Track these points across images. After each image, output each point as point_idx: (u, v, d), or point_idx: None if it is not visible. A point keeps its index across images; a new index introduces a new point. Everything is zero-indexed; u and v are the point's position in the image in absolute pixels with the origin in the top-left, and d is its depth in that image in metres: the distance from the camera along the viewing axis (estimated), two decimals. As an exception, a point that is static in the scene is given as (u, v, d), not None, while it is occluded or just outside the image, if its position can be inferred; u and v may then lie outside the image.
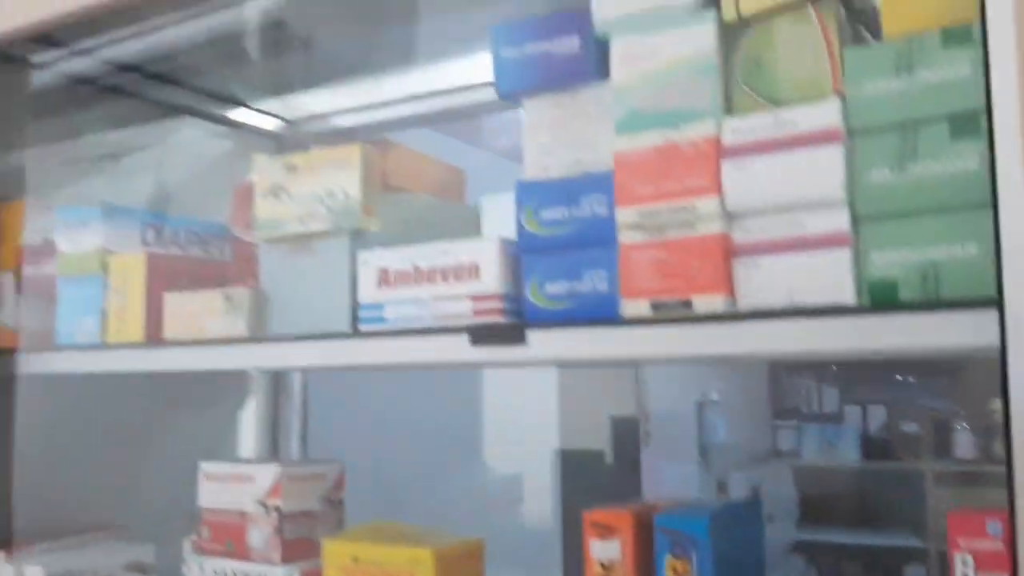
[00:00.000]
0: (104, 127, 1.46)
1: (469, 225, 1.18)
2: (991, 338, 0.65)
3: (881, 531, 3.48)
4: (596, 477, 2.00)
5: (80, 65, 1.35)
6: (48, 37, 1.22)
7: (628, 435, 2.06)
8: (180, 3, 1.17)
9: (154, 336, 1.10)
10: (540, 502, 2.08)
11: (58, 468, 1.33)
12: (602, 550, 0.84)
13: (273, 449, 1.59)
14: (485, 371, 2.24)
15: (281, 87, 1.61)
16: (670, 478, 2.72)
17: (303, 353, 1.01)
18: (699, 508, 0.85)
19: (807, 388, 3.87)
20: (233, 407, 1.61)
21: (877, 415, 3.74)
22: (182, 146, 1.58)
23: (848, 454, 3.71)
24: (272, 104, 1.65)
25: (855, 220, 0.75)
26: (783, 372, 3.87)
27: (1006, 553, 0.70)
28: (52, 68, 1.32)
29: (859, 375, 3.81)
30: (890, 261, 0.74)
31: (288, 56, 1.49)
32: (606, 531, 0.84)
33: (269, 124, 1.68)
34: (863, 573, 3.50)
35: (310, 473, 1.04)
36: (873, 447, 3.71)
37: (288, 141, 1.71)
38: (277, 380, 1.64)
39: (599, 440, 2.02)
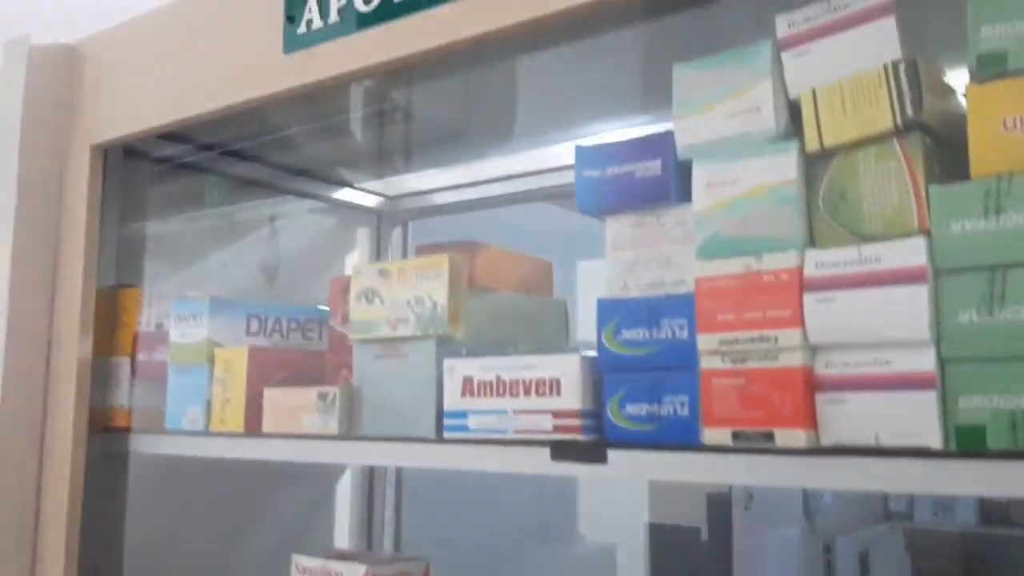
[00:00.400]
0: (211, 208, 1.55)
1: (556, 318, 1.20)
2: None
3: (1001, 601, 3.29)
4: (690, 554, 1.96)
5: (197, 155, 1.43)
6: (173, 133, 1.30)
7: (724, 511, 2.01)
8: (308, 103, 1.22)
9: (253, 426, 1.15)
10: None
11: (158, 547, 1.40)
12: None
13: (367, 540, 1.63)
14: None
15: (384, 167, 1.67)
16: (772, 541, 2.64)
17: (389, 454, 1.04)
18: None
19: (920, 446, 3.71)
20: (330, 498, 1.65)
21: (997, 477, 3.55)
22: (286, 223, 1.66)
23: (965, 517, 3.53)
24: (374, 183, 1.71)
25: (942, 362, 0.73)
26: (894, 429, 3.72)
27: None
28: (174, 161, 1.40)
29: (977, 434, 3.63)
30: (978, 406, 0.72)
31: (393, 136, 1.55)
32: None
33: (370, 201, 1.74)
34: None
35: (396, 572, 1.07)
36: (992, 511, 3.52)
37: (388, 216, 1.77)
38: (372, 472, 1.67)
39: (695, 517, 1.99)
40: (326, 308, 1.29)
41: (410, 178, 1.71)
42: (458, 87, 1.27)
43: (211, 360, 1.19)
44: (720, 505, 2.01)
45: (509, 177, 1.60)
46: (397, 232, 1.78)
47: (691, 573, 2.00)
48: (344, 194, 1.69)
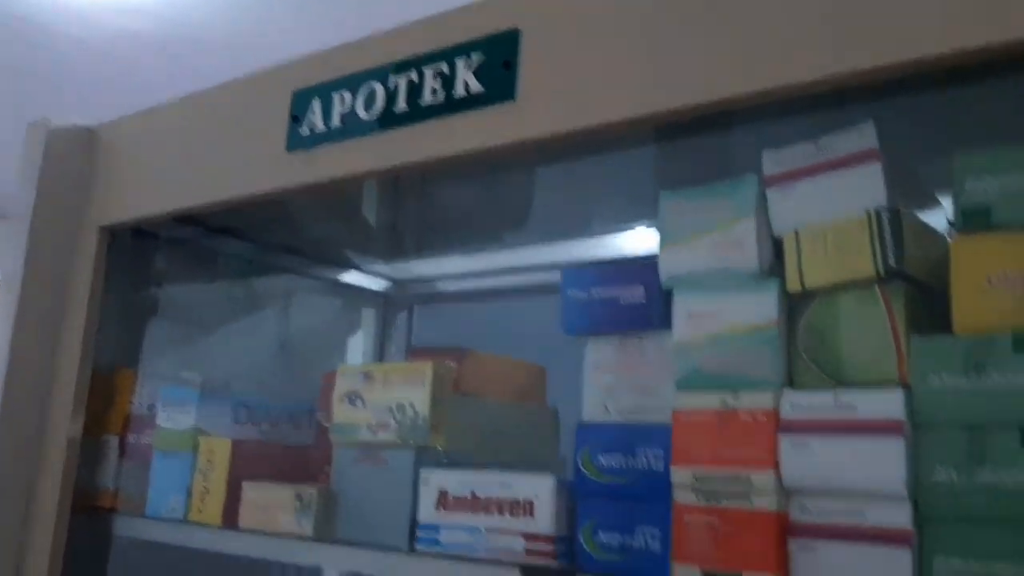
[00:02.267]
0: (215, 291, 1.56)
1: (546, 427, 1.19)
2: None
3: None
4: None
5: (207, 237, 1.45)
6: (183, 216, 1.32)
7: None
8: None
9: (231, 519, 1.14)
10: None
11: None
12: None
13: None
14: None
15: (392, 252, 1.69)
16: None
17: (360, 560, 1.02)
18: None
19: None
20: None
21: None
22: (291, 305, 1.67)
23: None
24: (381, 267, 1.72)
25: (919, 519, 0.71)
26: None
27: None
28: (182, 244, 1.42)
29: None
30: (954, 569, 0.69)
31: (400, 223, 1.56)
32: None
33: (376, 285, 1.75)
34: None
35: None
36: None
37: (394, 300, 1.78)
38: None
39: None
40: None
41: (419, 264, 1.72)
42: (471, 179, 1.28)
43: (196, 448, 1.19)
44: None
45: (518, 270, 1.60)
46: (403, 316, 1.78)
47: None
48: (349, 276, 1.70)
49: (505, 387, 1.16)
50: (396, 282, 1.77)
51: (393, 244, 1.66)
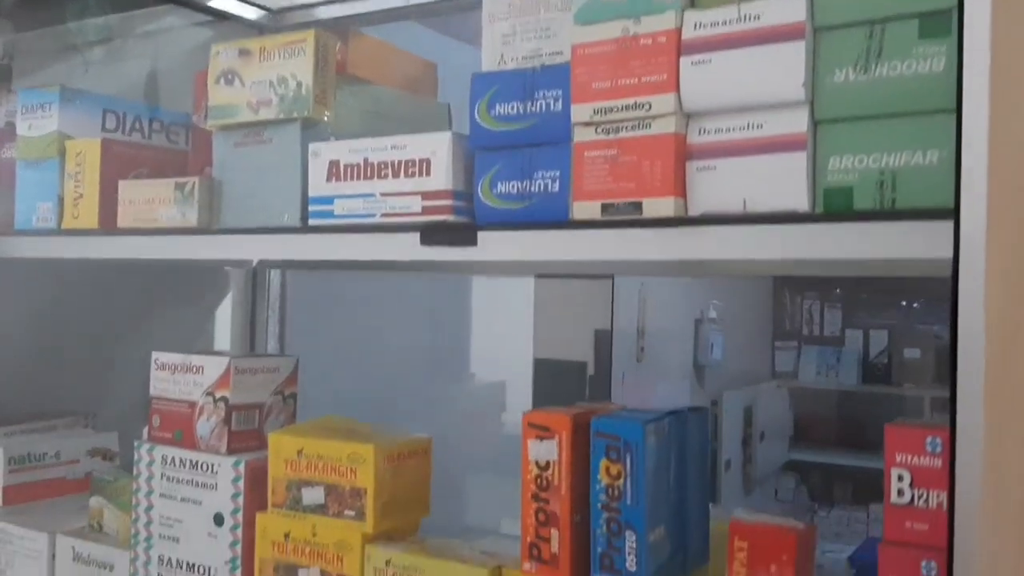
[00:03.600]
0: (86, 14, 1.42)
1: (438, 121, 1.14)
2: (945, 251, 0.62)
3: (875, 454, 3.49)
4: (577, 387, 1.99)
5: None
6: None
7: (609, 348, 2.04)
8: None
9: (108, 223, 1.07)
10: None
11: (33, 357, 1.34)
12: (539, 450, 0.82)
13: (250, 348, 1.59)
14: (473, 280, 2.23)
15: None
16: (662, 394, 2.72)
17: (251, 246, 0.98)
18: (639, 414, 0.83)
19: (810, 310, 3.84)
20: (211, 304, 1.60)
21: (879, 340, 3.71)
22: (163, 35, 1.54)
23: (846, 377, 3.70)
24: (255, -7, 1.59)
25: (815, 123, 0.71)
26: (787, 293, 3.83)
27: (944, 470, 0.68)
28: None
29: (863, 299, 3.77)
30: (847, 167, 0.70)
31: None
32: (544, 432, 0.82)
33: (252, 14, 1.62)
34: (853, 493, 3.53)
35: (261, 367, 1.03)
36: (873, 371, 3.70)
37: (270, 31, 1.66)
38: (255, 279, 1.62)
39: (583, 352, 2.00)
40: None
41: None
42: None
43: (62, 154, 1.10)
44: (607, 341, 2.04)
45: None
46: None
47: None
48: (224, 3, 1.56)
49: (393, 75, 1.10)
50: (273, 12, 1.65)
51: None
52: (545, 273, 1.91)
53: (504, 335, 2.06)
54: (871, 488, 3.53)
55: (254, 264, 1.59)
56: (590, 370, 2.07)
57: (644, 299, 2.72)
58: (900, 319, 3.67)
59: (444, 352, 2.07)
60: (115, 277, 1.42)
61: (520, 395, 2.03)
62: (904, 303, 3.68)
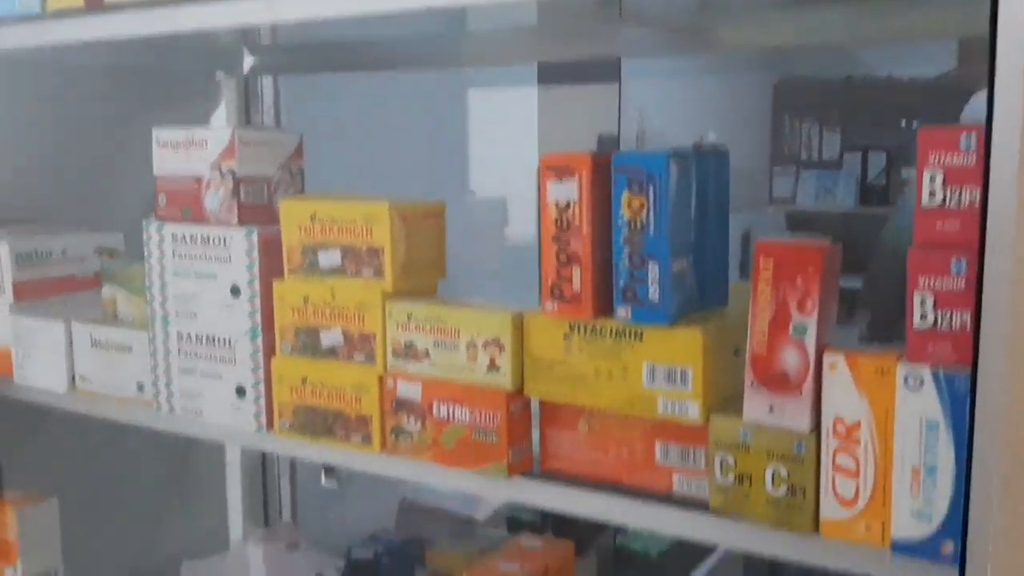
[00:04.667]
0: None
1: None
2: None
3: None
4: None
5: None
6: None
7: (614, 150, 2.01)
8: None
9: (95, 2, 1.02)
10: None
11: (33, 165, 1.32)
12: (558, 191, 0.81)
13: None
14: (470, 91, 2.18)
15: None
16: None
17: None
18: (661, 151, 0.81)
19: (808, 133, 3.79)
20: (202, 117, 1.55)
21: (878, 161, 3.68)
22: None
23: (845, 200, 3.68)
24: None
25: None
26: (785, 118, 3.78)
27: (978, 167, 0.66)
28: None
29: (863, 120, 3.72)
30: None
31: None
32: (563, 172, 0.81)
33: None
34: (848, 313, 3.58)
35: (266, 139, 1.00)
36: (871, 192, 3.68)
37: None
38: (247, 87, 1.57)
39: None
40: None
41: None
42: None
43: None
44: (611, 146, 2.01)
45: None
46: None
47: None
48: None
49: None
50: None
51: None
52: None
53: (506, 152, 2.03)
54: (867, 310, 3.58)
55: (245, 72, 1.55)
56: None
57: (642, 127, 2.67)
58: (899, 140, 3.63)
59: (443, 170, 2.04)
60: (108, 88, 1.38)
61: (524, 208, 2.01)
62: (904, 123, 3.63)
